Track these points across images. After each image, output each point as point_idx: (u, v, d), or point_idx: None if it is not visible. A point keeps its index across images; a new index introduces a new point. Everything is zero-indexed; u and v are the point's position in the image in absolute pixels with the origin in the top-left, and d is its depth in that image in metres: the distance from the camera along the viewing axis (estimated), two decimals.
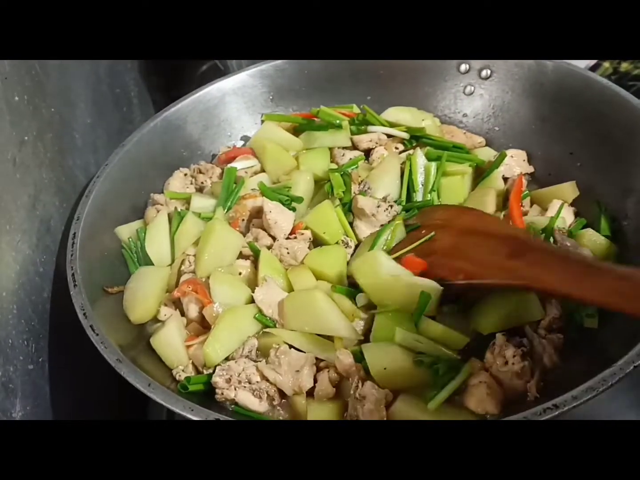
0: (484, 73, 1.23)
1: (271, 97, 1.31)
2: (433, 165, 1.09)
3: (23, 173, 0.85)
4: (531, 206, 1.10)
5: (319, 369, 0.87)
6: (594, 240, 0.96)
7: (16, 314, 0.80)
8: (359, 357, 0.86)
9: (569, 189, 1.07)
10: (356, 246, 1.02)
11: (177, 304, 1.00)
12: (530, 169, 1.16)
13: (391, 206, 1.03)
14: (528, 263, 0.79)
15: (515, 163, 1.15)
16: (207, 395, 0.86)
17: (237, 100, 1.29)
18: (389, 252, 0.96)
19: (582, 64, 1.15)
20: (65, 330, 0.91)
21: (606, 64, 1.29)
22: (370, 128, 1.21)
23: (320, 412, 0.83)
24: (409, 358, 0.82)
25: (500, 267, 0.82)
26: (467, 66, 1.23)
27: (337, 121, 1.19)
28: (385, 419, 0.78)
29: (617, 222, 0.98)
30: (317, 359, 0.88)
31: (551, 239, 0.96)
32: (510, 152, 1.16)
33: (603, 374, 0.68)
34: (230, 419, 0.72)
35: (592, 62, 1.27)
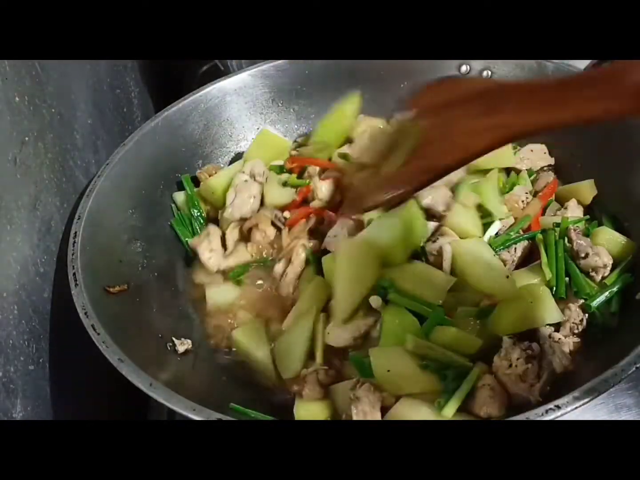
0: (484, 74, 1.22)
1: (272, 97, 1.31)
2: None
3: (24, 173, 0.85)
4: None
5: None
6: (610, 238, 0.95)
7: (17, 315, 0.80)
8: (362, 367, 0.85)
9: (587, 188, 1.05)
10: None
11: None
12: (552, 161, 1.15)
13: None
14: (506, 111, 0.73)
15: (537, 157, 1.14)
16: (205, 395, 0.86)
17: (238, 100, 1.29)
18: None
19: (582, 64, 1.15)
20: (66, 331, 0.91)
21: (606, 64, 1.29)
22: None
23: (307, 412, 0.85)
24: (414, 362, 0.81)
25: (482, 130, 0.74)
26: (468, 67, 1.23)
27: None
28: None
29: (619, 222, 0.98)
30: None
31: (565, 238, 0.95)
32: (529, 147, 1.15)
33: (604, 374, 0.68)
34: (231, 419, 0.72)
35: (592, 62, 1.27)
